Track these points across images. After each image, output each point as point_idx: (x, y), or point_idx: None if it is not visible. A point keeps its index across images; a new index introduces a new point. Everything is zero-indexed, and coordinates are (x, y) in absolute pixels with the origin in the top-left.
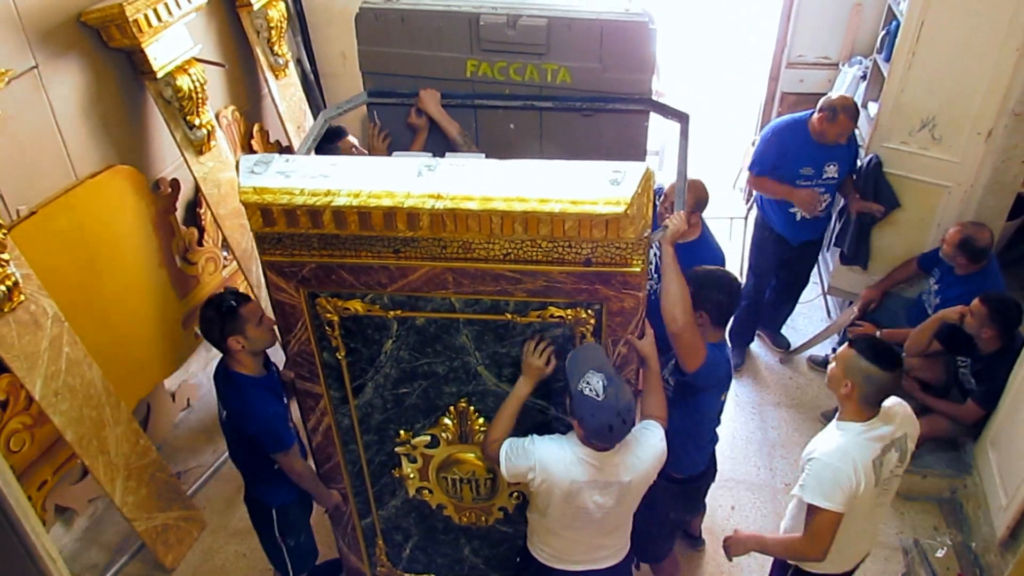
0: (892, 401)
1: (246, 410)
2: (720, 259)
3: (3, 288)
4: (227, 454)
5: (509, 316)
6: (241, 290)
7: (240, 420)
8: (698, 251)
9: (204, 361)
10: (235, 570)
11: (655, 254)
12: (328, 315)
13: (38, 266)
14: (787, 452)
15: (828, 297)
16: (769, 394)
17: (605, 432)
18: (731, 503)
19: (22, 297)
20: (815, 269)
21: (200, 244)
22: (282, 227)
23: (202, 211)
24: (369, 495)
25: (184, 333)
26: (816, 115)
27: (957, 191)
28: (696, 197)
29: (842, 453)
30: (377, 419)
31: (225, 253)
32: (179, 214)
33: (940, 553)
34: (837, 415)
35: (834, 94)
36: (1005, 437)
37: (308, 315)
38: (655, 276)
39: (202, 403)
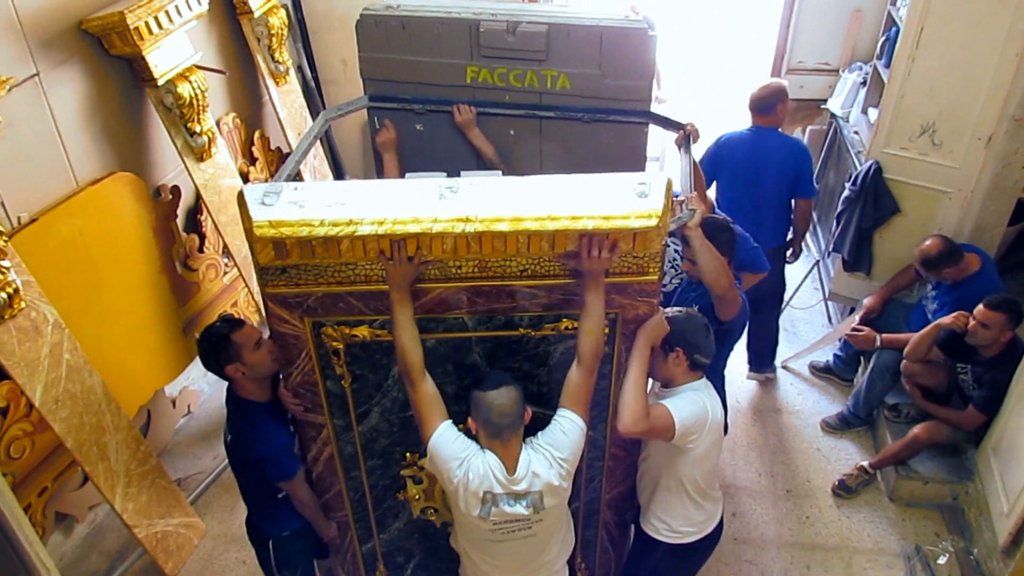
0: None
1: (252, 436)
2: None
3: (4, 295)
4: (228, 461)
5: (523, 331)
6: (242, 297)
7: (246, 447)
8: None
9: (204, 368)
10: None
11: (675, 249)
12: (334, 343)
13: (39, 273)
14: (787, 458)
15: (829, 303)
16: (769, 400)
17: (706, 333)
18: (732, 510)
19: (23, 304)
20: (817, 277)
21: (201, 251)
22: (295, 259)
23: (203, 218)
24: (371, 520)
25: (184, 340)
26: (770, 114)
27: (957, 196)
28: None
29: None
30: (382, 443)
31: (226, 260)
32: (180, 221)
33: (942, 560)
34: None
35: (833, 100)
36: (1007, 443)
37: (312, 344)
38: (675, 270)
39: (202, 409)
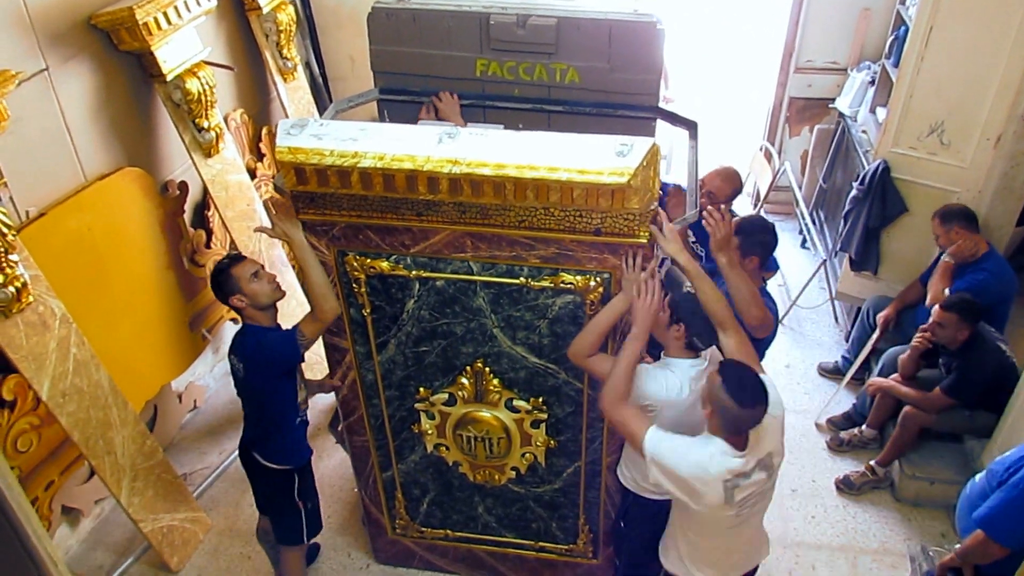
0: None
1: (261, 343)
2: None
3: (12, 289)
4: (233, 455)
5: (523, 281)
6: None
7: (256, 354)
8: None
9: (211, 363)
10: (240, 571)
11: (694, 240)
12: (356, 273)
13: (47, 267)
14: (793, 458)
15: (836, 302)
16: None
17: (710, 330)
18: None
19: (31, 298)
20: (824, 276)
21: (208, 246)
22: (314, 186)
23: (210, 213)
24: (390, 448)
25: (191, 335)
26: None
27: (965, 196)
28: (734, 187)
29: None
30: (399, 375)
31: None
32: (187, 216)
33: None
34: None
35: (841, 100)
36: (1012, 443)
37: (337, 272)
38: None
39: (208, 405)
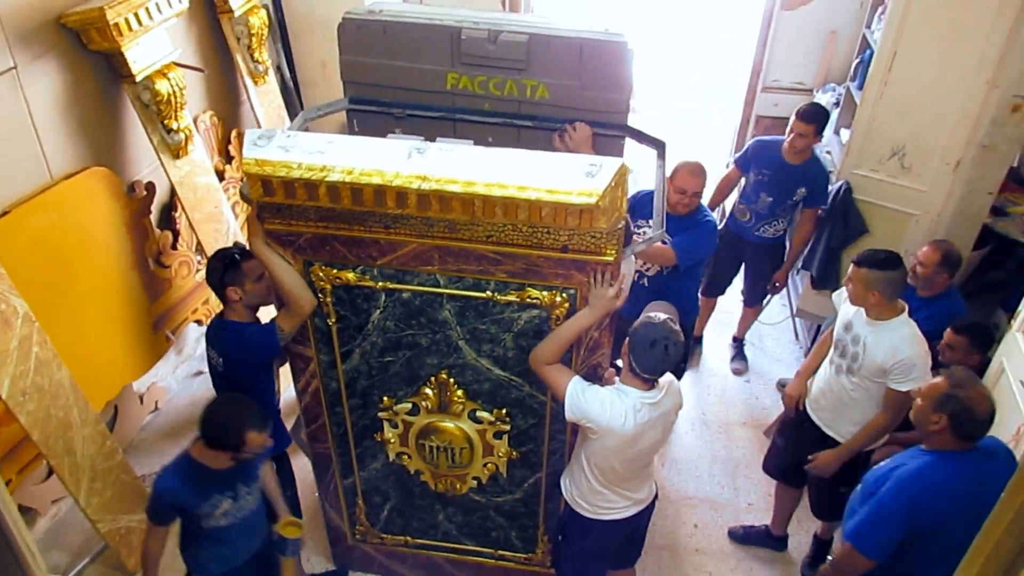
0: None
1: (241, 337)
2: (713, 223)
3: None
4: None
5: (489, 294)
6: (213, 295)
7: (236, 348)
8: (693, 223)
9: (173, 365)
10: None
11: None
12: (321, 283)
13: (10, 266)
14: (751, 472)
15: (797, 319)
16: (735, 414)
17: (648, 347)
18: (694, 521)
19: None
20: (785, 294)
21: (174, 248)
22: (281, 198)
23: (177, 215)
24: (352, 456)
25: (154, 336)
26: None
27: (924, 219)
28: (704, 180)
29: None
30: (362, 384)
31: (199, 257)
32: (154, 217)
33: None
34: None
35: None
36: None
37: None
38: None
39: (169, 406)
